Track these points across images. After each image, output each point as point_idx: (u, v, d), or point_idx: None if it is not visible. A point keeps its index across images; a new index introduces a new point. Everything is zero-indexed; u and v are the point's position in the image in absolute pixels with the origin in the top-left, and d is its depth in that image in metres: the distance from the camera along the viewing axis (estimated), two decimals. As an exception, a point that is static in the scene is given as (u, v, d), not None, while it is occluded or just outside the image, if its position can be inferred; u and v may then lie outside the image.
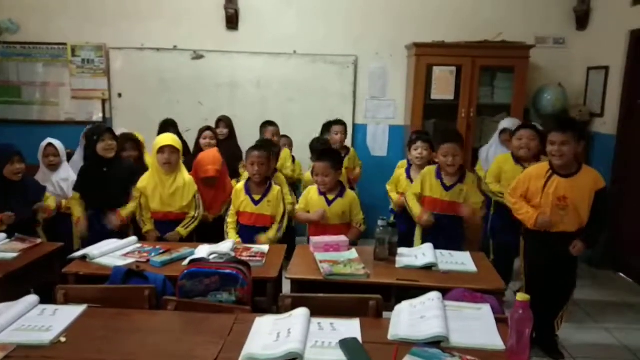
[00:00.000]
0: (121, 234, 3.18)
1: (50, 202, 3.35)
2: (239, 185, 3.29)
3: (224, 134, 4.49)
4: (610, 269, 4.59)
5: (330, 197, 3.18)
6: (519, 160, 3.55)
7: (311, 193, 3.24)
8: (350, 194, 3.23)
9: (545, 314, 2.97)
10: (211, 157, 3.67)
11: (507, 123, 4.17)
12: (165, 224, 3.29)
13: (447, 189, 3.22)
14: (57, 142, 3.65)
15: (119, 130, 4.62)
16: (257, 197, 3.19)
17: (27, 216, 3.15)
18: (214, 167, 3.57)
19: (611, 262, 4.59)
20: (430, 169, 3.32)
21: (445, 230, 3.18)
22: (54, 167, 3.61)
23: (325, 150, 3.53)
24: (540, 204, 2.90)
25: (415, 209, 3.25)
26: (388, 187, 3.86)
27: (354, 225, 3.20)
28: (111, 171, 3.33)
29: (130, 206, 3.32)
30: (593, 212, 2.85)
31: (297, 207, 3.34)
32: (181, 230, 3.25)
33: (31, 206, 3.20)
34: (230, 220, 3.30)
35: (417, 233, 3.31)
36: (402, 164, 3.91)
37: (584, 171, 2.86)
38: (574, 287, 3.08)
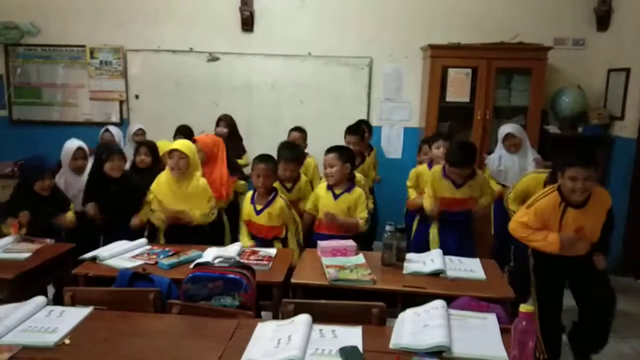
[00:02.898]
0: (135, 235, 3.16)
1: (71, 215, 3.33)
2: (248, 194, 3.28)
3: (223, 133, 4.49)
4: (630, 276, 4.48)
5: (338, 191, 3.18)
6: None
7: (320, 190, 3.28)
8: (357, 191, 3.22)
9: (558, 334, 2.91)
10: (209, 137, 3.73)
11: (509, 128, 4.05)
12: (178, 228, 3.21)
13: (457, 186, 3.23)
14: (84, 145, 3.60)
15: (135, 126, 4.71)
16: (259, 207, 3.16)
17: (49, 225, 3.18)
18: (203, 140, 3.58)
19: (632, 269, 4.48)
20: (437, 170, 3.34)
21: (457, 228, 3.21)
22: (80, 170, 3.54)
23: (335, 145, 3.50)
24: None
25: (430, 205, 3.29)
26: (409, 183, 3.88)
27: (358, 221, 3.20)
28: (118, 190, 3.31)
29: (145, 210, 3.34)
30: (604, 228, 2.78)
31: (307, 204, 3.34)
32: (196, 212, 3.15)
33: (54, 218, 3.22)
34: (241, 225, 3.28)
35: (433, 232, 3.30)
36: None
37: (593, 196, 2.70)
38: (614, 301, 2.84)
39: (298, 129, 4.35)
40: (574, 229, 2.70)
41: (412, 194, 3.80)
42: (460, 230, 3.25)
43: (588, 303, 2.85)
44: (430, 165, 3.81)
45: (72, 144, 3.55)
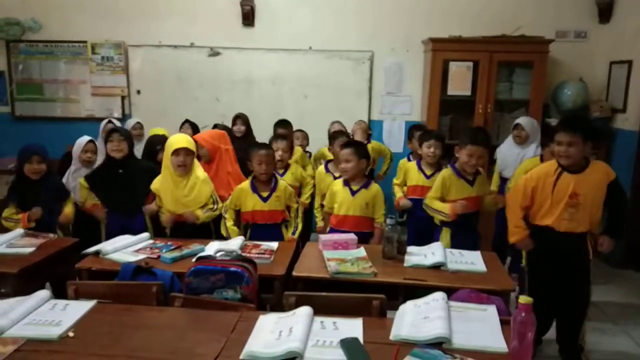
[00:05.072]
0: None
1: (69, 209, 3.35)
2: (244, 184, 3.25)
3: (241, 131, 4.50)
4: (630, 268, 4.48)
5: (355, 187, 3.16)
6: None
7: (336, 186, 3.25)
8: (375, 187, 3.20)
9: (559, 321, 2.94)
10: (207, 132, 3.75)
11: (520, 120, 4.10)
12: (180, 224, 3.21)
13: (471, 184, 3.21)
14: (95, 140, 3.71)
15: (133, 120, 4.73)
16: (265, 194, 3.17)
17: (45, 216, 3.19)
18: (201, 136, 3.60)
19: (632, 261, 4.48)
20: (448, 172, 3.22)
21: (468, 226, 3.18)
22: (89, 163, 3.62)
23: (350, 140, 3.59)
24: (551, 205, 2.77)
25: (443, 207, 3.16)
26: (396, 181, 3.87)
27: (376, 226, 3.17)
28: (126, 173, 3.31)
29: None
30: (611, 207, 2.79)
31: (325, 203, 3.34)
32: (199, 212, 3.16)
33: (48, 207, 3.21)
34: (228, 216, 3.23)
35: (445, 234, 3.20)
36: (404, 161, 3.95)
37: (592, 165, 2.76)
38: (588, 299, 2.88)
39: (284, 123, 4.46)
40: (567, 194, 2.72)
41: (399, 192, 3.78)
42: (467, 232, 3.18)
43: (564, 299, 2.88)
44: (419, 163, 3.74)
45: (84, 137, 3.68)
